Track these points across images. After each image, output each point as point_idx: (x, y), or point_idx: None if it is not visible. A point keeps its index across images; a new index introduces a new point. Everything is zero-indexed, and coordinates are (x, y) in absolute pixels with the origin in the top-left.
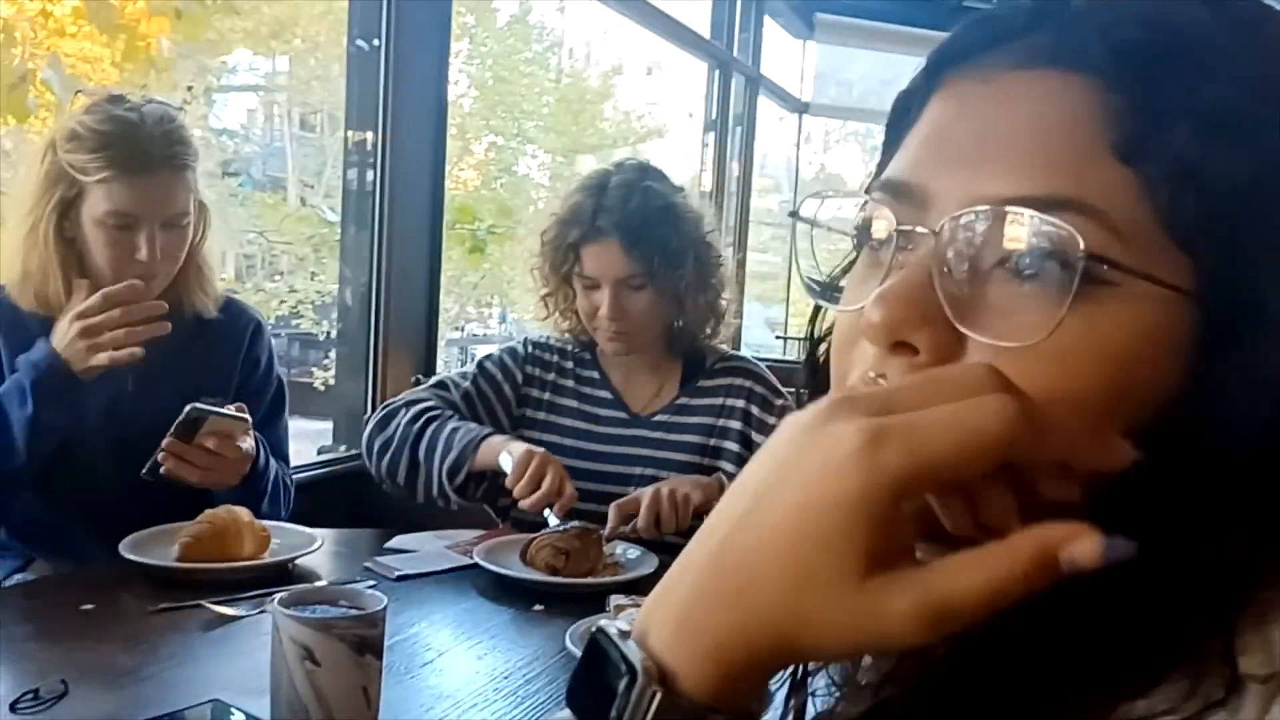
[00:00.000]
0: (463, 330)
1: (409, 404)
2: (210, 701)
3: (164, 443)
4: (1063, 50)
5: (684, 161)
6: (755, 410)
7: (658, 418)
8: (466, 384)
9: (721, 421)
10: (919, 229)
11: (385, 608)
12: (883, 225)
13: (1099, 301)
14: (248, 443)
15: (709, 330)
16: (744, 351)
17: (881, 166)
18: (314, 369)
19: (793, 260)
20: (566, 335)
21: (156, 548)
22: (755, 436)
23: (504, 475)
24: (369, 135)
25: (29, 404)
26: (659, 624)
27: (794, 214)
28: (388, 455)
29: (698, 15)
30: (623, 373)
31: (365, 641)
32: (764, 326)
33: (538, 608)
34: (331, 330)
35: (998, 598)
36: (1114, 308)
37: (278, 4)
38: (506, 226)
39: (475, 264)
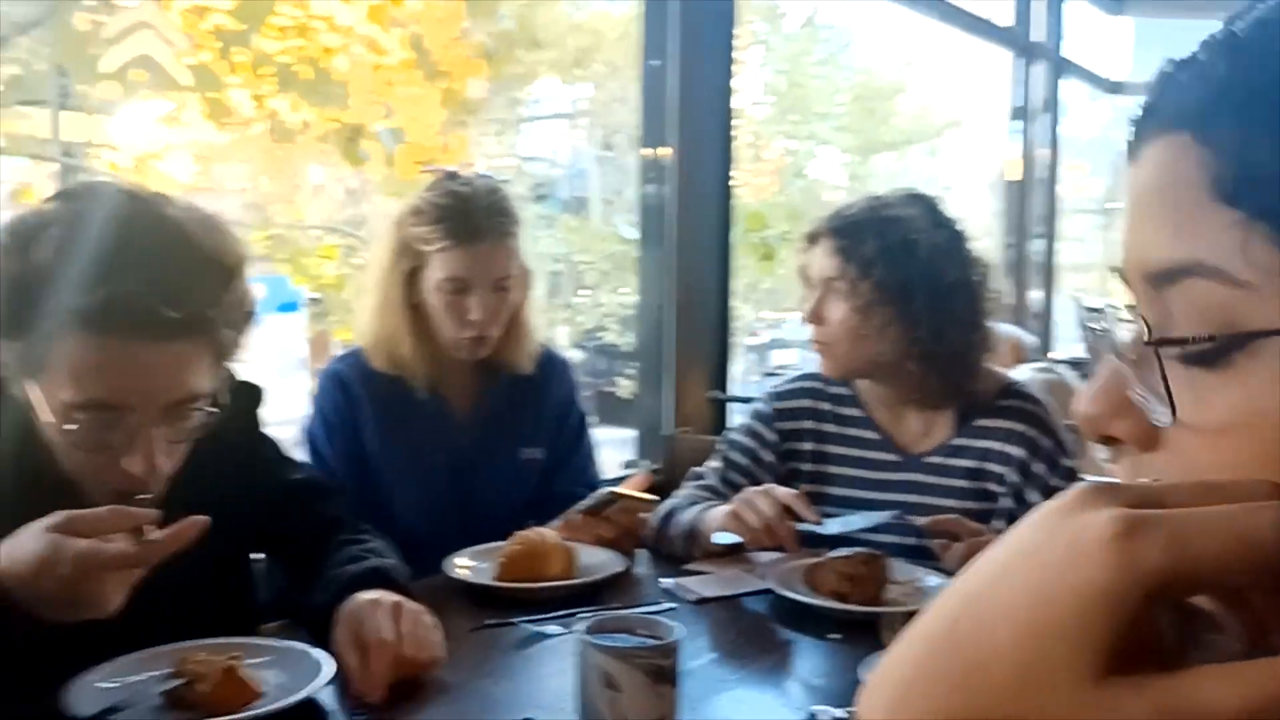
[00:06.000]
0: (758, 336)
1: (668, 511)
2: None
3: (566, 517)
4: (1164, 114)
5: (985, 152)
6: (1038, 468)
7: (931, 459)
8: (719, 466)
9: (994, 467)
10: (1105, 328)
11: (679, 639)
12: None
13: (1243, 364)
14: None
15: (960, 372)
16: (1057, 352)
17: None
18: (618, 378)
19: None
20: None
21: (479, 566)
22: (1029, 495)
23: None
24: (661, 151)
25: None
26: (876, 706)
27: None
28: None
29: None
30: (887, 410)
31: (661, 671)
32: (1079, 323)
33: (833, 636)
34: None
35: (1253, 717)
36: (1264, 364)
37: (580, 33)
38: (798, 232)
39: (767, 272)
